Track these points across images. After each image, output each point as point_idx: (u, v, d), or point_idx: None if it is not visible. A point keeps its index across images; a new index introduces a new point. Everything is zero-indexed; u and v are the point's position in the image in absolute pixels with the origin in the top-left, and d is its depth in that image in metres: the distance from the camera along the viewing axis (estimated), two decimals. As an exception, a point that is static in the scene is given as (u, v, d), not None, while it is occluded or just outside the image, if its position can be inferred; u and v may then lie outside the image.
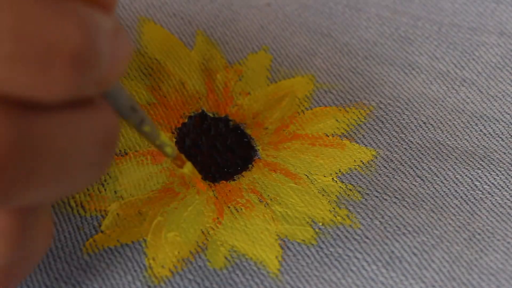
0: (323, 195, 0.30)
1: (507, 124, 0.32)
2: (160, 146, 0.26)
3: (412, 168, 0.31)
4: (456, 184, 0.30)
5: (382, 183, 0.30)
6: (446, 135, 0.32)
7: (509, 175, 0.30)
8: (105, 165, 0.22)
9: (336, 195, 0.30)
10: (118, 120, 0.22)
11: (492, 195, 0.30)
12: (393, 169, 0.31)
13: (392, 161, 0.31)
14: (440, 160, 0.31)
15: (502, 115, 0.33)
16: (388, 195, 0.30)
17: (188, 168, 0.28)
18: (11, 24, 0.17)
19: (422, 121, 0.32)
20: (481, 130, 0.32)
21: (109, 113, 0.22)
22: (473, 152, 0.31)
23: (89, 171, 0.21)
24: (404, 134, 0.32)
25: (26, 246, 0.22)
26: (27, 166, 0.19)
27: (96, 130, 0.21)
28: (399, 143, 0.32)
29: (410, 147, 0.32)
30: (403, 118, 0.33)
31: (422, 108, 0.33)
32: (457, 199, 0.30)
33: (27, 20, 0.18)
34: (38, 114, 0.19)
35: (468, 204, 0.30)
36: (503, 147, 0.31)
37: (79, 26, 0.18)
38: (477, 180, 0.30)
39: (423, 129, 0.32)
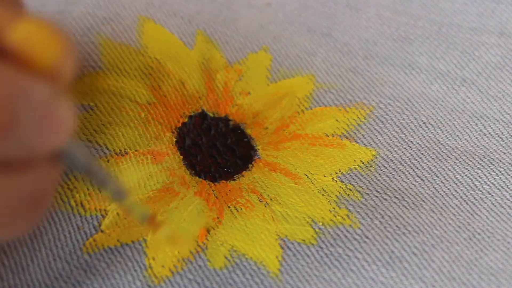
0: (323, 195, 0.30)
1: (507, 124, 0.32)
2: (128, 210, 0.25)
3: (412, 168, 0.31)
4: (456, 184, 0.30)
5: (382, 183, 0.30)
6: (446, 135, 0.32)
7: (509, 175, 0.30)
8: (27, 226, 0.21)
9: (336, 195, 0.30)
10: (51, 185, 0.21)
11: (492, 195, 0.30)
12: (393, 169, 0.31)
13: (392, 161, 0.31)
14: (440, 160, 0.31)
15: (502, 115, 0.33)
16: (388, 195, 0.30)
17: (165, 232, 0.26)
18: None
19: (422, 121, 0.32)
20: (481, 130, 0.32)
21: (40, 177, 0.21)
22: (473, 152, 0.31)
23: (8, 229, 0.21)
24: (404, 134, 0.32)
25: None
26: None
27: (20, 193, 0.20)
28: (399, 143, 0.32)
29: (410, 147, 0.32)
30: (403, 118, 0.33)
31: (422, 108, 0.33)
32: (457, 199, 0.30)
33: None
34: None
35: (468, 204, 0.30)
36: (503, 147, 0.31)
37: None
38: (477, 180, 0.30)
39: (423, 129, 0.32)
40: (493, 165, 0.31)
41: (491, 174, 0.30)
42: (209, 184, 0.30)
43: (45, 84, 0.19)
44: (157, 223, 0.25)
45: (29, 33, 0.19)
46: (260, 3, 0.37)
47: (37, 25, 0.19)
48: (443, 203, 0.29)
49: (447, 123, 0.32)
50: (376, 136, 0.32)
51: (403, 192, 0.30)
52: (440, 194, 0.30)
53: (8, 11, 0.19)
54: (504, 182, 0.30)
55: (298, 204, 0.29)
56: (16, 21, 0.19)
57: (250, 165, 0.31)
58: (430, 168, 0.31)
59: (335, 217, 0.29)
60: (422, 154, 0.31)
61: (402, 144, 0.32)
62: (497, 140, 0.32)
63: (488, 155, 0.31)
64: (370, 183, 0.30)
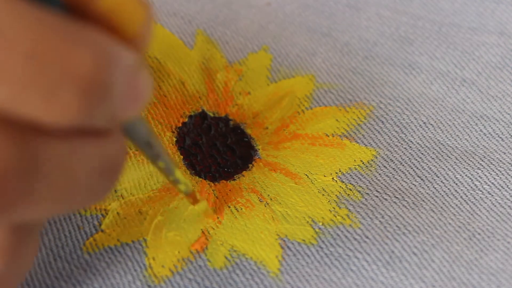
0: (323, 194, 0.30)
1: (507, 124, 0.32)
2: (174, 182, 0.26)
3: (412, 168, 0.31)
4: (456, 184, 0.30)
5: (382, 183, 0.30)
6: (446, 135, 0.32)
7: (509, 175, 0.30)
8: (105, 192, 0.22)
9: (336, 195, 0.30)
10: (125, 154, 0.22)
11: (492, 195, 0.30)
12: (393, 169, 0.31)
13: (392, 161, 0.31)
14: (440, 160, 0.31)
15: (502, 115, 0.33)
16: (388, 194, 0.30)
17: (201, 207, 0.28)
18: (28, 46, 0.17)
19: (422, 121, 0.32)
20: (481, 130, 0.32)
21: (118, 146, 0.21)
22: (473, 152, 0.31)
23: (88, 196, 0.21)
24: (404, 134, 0.32)
25: (19, 260, 0.22)
26: (26, 185, 0.19)
27: (100, 160, 0.21)
28: (399, 143, 0.32)
29: (410, 147, 0.32)
30: (403, 118, 0.33)
31: (422, 108, 0.33)
32: (457, 199, 0.30)
33: (43, 43, 0.17)
34: (43, 137, 0.19)
35: (468, 204, 0.30)
36: (503, 147, 0.31)
37: (94, 55, 0.18)
38: (477, 180, 0.30)
39: (423, 129, 0.32)
40: (493, 165, 0.31)
41: (491, 174, 0.30)
42: (209, 184, 0.30)
43: (131, 51, 0.20)
44: (196, 198, 0.28)
45: (117, 1, 0.19)
46: (260, 3, 0.37)
47: None
48: (443, 203, 0.29)
49: (447, 123, 0.32)
50: (376, 136, 0.32)
51: (403, 192, 0.30)
52: (440, 194, 0.30)
53: None
54: (504, 182, 0.30)
55: (298, 204, 0.29)
56: None
57: (250, 165, 0.31)
58: (430, 168, 0.31)
59: (335, 217, 0.29)
60: (422, 154, 0.31)
61: (402, 144, 0.32)
62: (497, 140, 0.32)
63: (488, 155, 0.31)
64: (370, 183, 0.30)
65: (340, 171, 0.30)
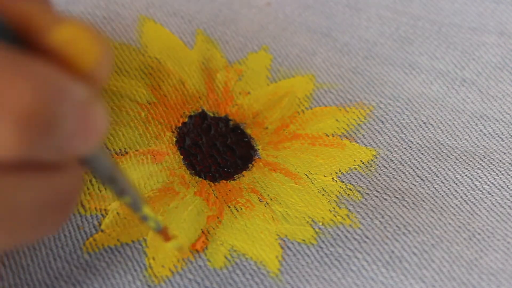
0: (323, 194, 0.30)
1: (507, 124, 0.32)
2: (143, 219, 0.25)
3: (412, 168, 0.31)
4: (456, 184, 0.30)
5: (382, 183, 0.30)
6: (446, 135, 0.32)
7: (509, 175, 0.30)
8: (56, 226, 0.21)
9: (336, 195, 0.30)
10: (80, 188, 0.21)
11: (492, 195, 0.30)
12: (393, 169, 0.31)
13: (392, 161, 0.31)
14: (440, 160, 0.31)
15: (502, 115, 0.33)
16: (388, 195, 0.30)
17: (174, 244, 0.27)
18: None
19: (422, 121, 0.32)
20: (481, 130, 0.32)
21: (70, 179, 0.21)
22: (473, 152, 0.31)
23: (37, 229, 0.21)
24: (404, 134, 0.32)
25: None
26: None
27: (49, 194, 0.20)
28: (399, 143, 0.32)
29: (410, 147, 0.32)
30: (403, 118, 0.33)
31: (422, 108, 0.33)
32: (457, 199, 0.30)
33: None
34: None
35: (468, 204, 0.30)
36: (503, 147, 0.32)
37: (35, 88, 0.18)
38: (477, 180, 0.30)
39: (423, 129, 0.32)
40: (493, 165, 0.31)
41: (491, 174, 0.30)
42: (209, 184, 0.30)
43: (84, 86, 0.19)
44: (169, 234, 0.26)
45: (72, 35, 0.19)
46: (260, 3, 0.37)
47: (80, 27, 0.19)
48: (443, 203, 0.29)
49: (447, 123, 0.32)
50: (376, 136, 0.32)
51: (403, 192, 0.30)
52: (440, 194, 0.30)
53: (51, 12, 0.19)
54: (504, 182, 0.30)
55: (298, 204, 0.29)
56: (59, 22, 0.19)
57: (250, 165, 0.31)
58: (430, 168, 0.31)
59: (335, 217, 0.29)
60: (422, 154, 0.31)
61: (402, 144, 0.32)
62: (497, 140, 0.32)
63: (488, 155, 0.31)
64: (370, 183, 0.30)
65: (340, 171, 0.30)
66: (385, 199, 0.29)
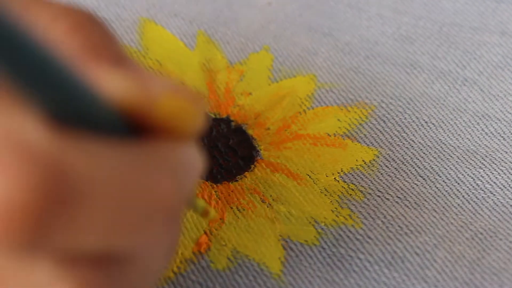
0: (325, 195, 0.30)
1: (508, 123, 0.32)
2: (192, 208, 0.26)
3: (414, 168, 0.31)
4: (458, 183, 0.30)
5: (384, 183, 0.30)
6: (448, 135, 0.32)
7: (511, 174, 0.30)
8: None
9: (338, 195, 0.30)
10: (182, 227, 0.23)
11: (494, 194, 0.30)
12: (395, 168, 0.31)
13: (394, 160, 0.31)
14: (442, 159, 0.31)
15: (504, 114, 0.33)
16: (390, 194, 0.30)
17: (210, 217, 0.28)
18: (116, 188, 0.17)
19: (424, 120, 0.32)
20: (482, 130, 0.32)
21: (179, 224, 0.22)
22: (475, 152, 0.31)
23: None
24: (406, 133, 0.32)
25: None
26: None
27: (169, 244, 0.21)
28: (401, 142, 0.32)
29: (412, 146, 0.32)
30: (405, 118, 0.33)
31: (423, 107, 0.33)
32: (459, 198, 0.30)
33: (125, 181, 0.17)
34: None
35: (470, 204, 0.29)
36: (505, 146, 0.31)
37: (173, 178, 0.18)
38: (479, 179, 0.30)
39: (424, 128, 0.32)
40: (495, 164, 0.31)
41: (493, 173, 0.30)
42: (211, 185, 0.30)
43: (191, 145, 0.20)
44: (208, 212, 0.27)
45: (173, 107, 0.19)
46: (261, 3, 0.37)
47: (180, 97, 0.19)
48: (445, 203, 0.29)
49: (449, 123, 0.32)
50: (378, 135, 0.32)
51: (405, 191, 0.30)
52: (442, 193, 0.30)
53: (148, 87, 0.19)
54: (506, 181, 0.30)
55: (301, 204, 0.29)
56: (161, 95, 0.19)
57: (252, 166, 0.31)
58: (432, 167, 0.31)
59: (337, 217, 0.29)
60: (424, 153, 0.31)
61: (404, 143, 0.32)
62: (499, 139, 0.32)
63: (490, 154, 0.31)
64: (372, 183, 0.30)
65: (342, 171, 0.30)
66: (387, 198, 0.29)
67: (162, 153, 0.19)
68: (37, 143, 0.16)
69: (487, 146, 0.32)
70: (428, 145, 0.32)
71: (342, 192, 0.30)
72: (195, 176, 0.20)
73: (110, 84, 0.18)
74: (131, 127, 0.19)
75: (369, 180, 0.30)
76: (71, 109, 0.17)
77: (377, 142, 0.32)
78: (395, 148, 0.31)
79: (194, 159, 0.20)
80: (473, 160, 0.31)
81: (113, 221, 0.17)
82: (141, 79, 0.19)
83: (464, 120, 0.32)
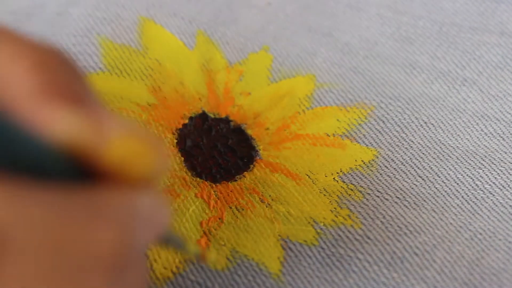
0: (324, 195, 0.30)
1: (508, 123, 0.32)
2: (185, 253, 0.26)
3: (413, 168, 0.31)
4: (457, 183, 0.30)
5: (383, 183, 0.30)
6: (447, 135, 0.32)
7: (510, 175, 0.30)
8: None
9: (337, 195, 0.30)
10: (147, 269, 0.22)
11: (494, 195, 0.30)
12: (394, 169, 0.31)
13: (393, 160, 0.31)
14: (441, 159, 0.31)
15: (503, 114, 0.33)
16: (389, 195, 0.30)
17: (211, 260, 0.27)
18: (44, 237, 0.16)
19: (423, 120, 0.32)
20: (482, 130, 0.32)
21: (141, 267, 0.21)
22: (474, 152, 0.31)
23: None
24: (405, 133, 0.32)
25: None
26: None
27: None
28: (400, 142, 0.32)
29: (411, 146, 0.32)
30: (404, 118, 0.33)
31: (423, 107, 0.33)
32: (458, 198, 0.30)
33: (60, 232, 0.17)
34: None
35: (469, 204, 0.30)
36: (504, 146, 0.31)
37: (116, 228, 0.18)
38: (478, 179, 0.30)
39: (424, 128, 0.32)
40: (494, 164, 0.31)
41: (492, 173, 0.30)
42: (210, 185, 0.30)
43: (147, 194, 0.19)
44: (206, 257, 0.27)
45: (126, 150, 0.18)
46: (261, 3, 0.37)
47: (135, 140, 0.18)
48: (445, 203, 0.29)
49: (448, 123, 0.32)
50: (377, 136, 0.32)
51: (404, 192, 0.30)
52: (442, 194, 0.30)
53: (100, 129, 0.18)
54: (505, 181, 0.30)
55: (301, 204, 0.29)
56: (114, 137, 0.18)
57: (251, 166, 0.31)
58: (431, 168, 0.31)
59: (337, 217, 0.29)
60: (423, 154, 0.31)
61: (403, 144, 0.32)
62: (498, 139, 0.32)
63: (489, 154, 0.31)
64: (371, 183, 0.30)
65: (341, 171, 0.30)
66: (386, 199, 0.29)
67: (106, 201, 0.18)
68: None
69: (486, 146, 0.32)
70: (427, 146, 0.32)
71: (341, 192, 0.30)
72: (151, 226, 0.19)
73: (60, 124, 0.18)
74: (82, 170, 0.18)
75: (368, 180, 0.30)
76: (8, 157, 0.16)
77: (376, 142, 0.32)
78: (394, 149, 0.31)
79: (150, 207, 0.19)
80: (472, 160, 0.31)
81: (44, 275, 0.17)
82: (97, 119, 0.18)
83: (463, 121, 0.32)
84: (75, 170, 0.18)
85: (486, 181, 0.30)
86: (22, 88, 0.18)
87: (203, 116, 0.32)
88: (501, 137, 0.32)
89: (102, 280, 0.18)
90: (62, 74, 0.19)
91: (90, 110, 0.18)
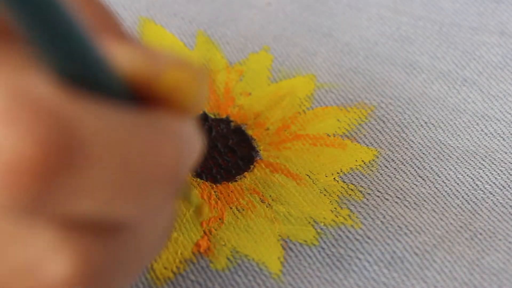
0: (324, 195, 0.30)
1: (508, 123, 0.32)
2: (188, 201, 0.27)
3: (413, 168, 0.31)
4: (458, 183, 0.30)
5: (383, 183, 0.30)
6: (447, 135, 0.32)
7: (511, 175, 0.30)
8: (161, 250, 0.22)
9: (337, 195, 0.30)
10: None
11: (494, 195, 0.30)
12: (395, 169, 0.31)
13: (393, 160, 0.31)
14: (441, 159, 0.31)
15: (503, 114, 0.33)
16: (389, 195, 0.30)
17: (204, 217, 0.28)
18: (117, 152, 0.17)
19: (423, 120, 0.32)
20: (482, 130, 0.32)
21: (175, 201, 0.22)
22: (475, 152, 0.31)
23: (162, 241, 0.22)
24: (405, 133, 0.32)
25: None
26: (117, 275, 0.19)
27: (166, 221, 0.21)
28: (400, 142, 0.32)
29: (412, 146, 0.32)
30: (404, 118, 0.33)
31: (423, 107, 0.33)
32: (458, 199, 0.30)
33: (131, 147, 0.17)
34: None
35: (469, 204, 0.30)
36: (504, 146, 0.31)
37: (175, 149, 0.18)
38: (479, 179, 0.30)
39: (424, 128, 0.32)
40: (495, 164, 0.31)
41: (492, 173, 0.30)
42: (210, 185, 0.30)
43: (191, 120, 0.20)
44: (202, 211, 0.27)
45: (177, 80, 0.19)
46: (261, 3, 0.37)
47: (182, 69, 0.19)
48: (445, 203, 0.29)
49: (448, 123, 0.32)
50: (377, 136, 0.32)
51: (404, 192, 0.30)
52: (442, 194, 0.30)
53: (154, 58, 0.19)
54: (505, 181, 0.30)
55: (301, 204, 0.29)
56: (166, 68, 0.19)
57: (251, 166, 0.31)
58: (432, 168, 0.31)
59: (337, 217, 0.29)
60: (423, 154, 0.31)
61: (403, 144, 0.32)
62: (498, 139, 0.32)
63: (490, 154, 0.31)
64: (372, 183, 0.30)
65: (341, 171, 0.30)
66: (387, 199, 0.29)
67: (164, 122, 0.19)
68: (47, 98, 0.16)
69: (486, 146, 0.32)
70: (428, 146, 0.32)
71: (341, 192, 0.30)
72: (194, 152, 0.20)
73: (119, 55, 0.18)
74: (137, 96, 0.19)
75: (369, 180, 0.30)
76: (83, 72, 0.17)
77: (376, 142, 0.32)
78: (395, 149, 0.31)
79: (194, 135, 0.20)
80: (472, 160, 0.31)
81: (115, 186, 0.17)
82: (148, 52, 0.19)
83: (463, 121, 0.32)
84: (132, 97, 0.19)
85: (486, 181, 0.30)
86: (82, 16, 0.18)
87: (203, 116, 0.32)
88: (502, 137, 0.32)
89: (164, 192, 0.19)
90: (105, 12, 0.20)
91: (137, 44, 0.19)
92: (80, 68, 0.17)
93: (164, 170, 0.18)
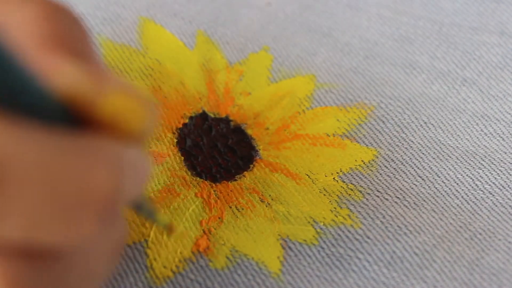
0: (324, 194, 0.30)
1: (508, 123, 0.32)
2: (153, 220, 0.27)
3: (413, 168, 0.31)
4: (457, 184, 0.30)
5: (383, 183, 0.30)
6: (447, 135, 0.32)
7: (510, 175, 0.30)
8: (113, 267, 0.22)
9: (337, 195, 0.30)
10: (127, 234, 0.22)
11: (493, 195, 0.30)
12: (394, 169, 0.31)
13: (393, 160, 0.31)
14: (441, 159, 0.31)
15: (503, 114, 0.33)
16: (389, 194, 0.30)
17: (177, 235, 0.28)
18: (42, 173, 0.17)
19: (423, 120, 0.32)
20: (482, 130, 0.32)
21: (123, 227, 0.22)
22: (474, 152, 0.31)
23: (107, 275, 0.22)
24: (405, 133, 0.32)
25: None
26: None
27: (115, 242, 0.21)
28: (400, 143, 0.32)
29: (411, 146, 0.32)
30: (404, 118, 0.33)
31: (423, 107, 0.33)
32: (458, 199, 0.30)
33: (57, 168, 0.17)
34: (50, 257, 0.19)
35: (469, 204, 0.30)
36: (504, 146, 0.32)
37: (109, 172, 0.18)
38: (478, 180, 0.30)
39: (424, 128, 0.32)
40: (494, 164, 0.31)
41: (492, 174, 0.30)
42: (210, 184, 0.30)
43: (135, 148, 0.20)
44: (173, 228, 0.28)
45: (120, 104, 0.19)
46: (261, 3, 0.37)
47: (129, 97, 0.19)
48: (444, 203, 0.29)
49: (448, 123, 0.32)
50: (377, 136, 0.32)
51: (404, 192, 0.30)
52: (441, 194, 0.30)
53: (97, 80, 0.19)
54: (505, 181, 0.30)
55: (300, 203, 0.29)
56: (110, 92, 0.19)
57: (251, 166, 0.31)
58: (431, 168, 0.31)
59: (336, 217, 0.29)
60: (423, 154, 0.31)
61: (403, 144, 0.32)
62: (498, 140, 0.32)
63: (489, 154, 0.31)
64: (371, 183, 0.30)
65: (341, 171, 0.30)
66: (386, 199, 0.29)
67: (100, 146, 0.18)
68: None
69: (486, 146, 0.32)
70: (427, 146, 0.32)
71: (341, 192, 0.30)
72: (138, 177, 0.20)
73: (61, 74, 0.18)
74: (77, 119, 0.19)
75: (368, 180, 0.30)
76: (3, 93, 0.17)
77: (376, 142, 0.32)
78: (394, 149, 0.31)
79: (138, 162, 0.20)
80: (472, 160, 0.31)
81: (38, 210, 0.17)
82: (95, 73, 0.19)
83: (463, 121, 0.32)
84: (69, 118, 0.19)
85: (486, 181, 0.30)
86: (28, 35, 0.18)
87: (203, 115, 0.32)
88: (501, 137, 0.32)
89: (93, 220, 0.18)
90: (68, 28, 0.19)
91: (90, 64, 0.19)
92: (4, 91, 0.17)
93: (95, 195, 0.18)
